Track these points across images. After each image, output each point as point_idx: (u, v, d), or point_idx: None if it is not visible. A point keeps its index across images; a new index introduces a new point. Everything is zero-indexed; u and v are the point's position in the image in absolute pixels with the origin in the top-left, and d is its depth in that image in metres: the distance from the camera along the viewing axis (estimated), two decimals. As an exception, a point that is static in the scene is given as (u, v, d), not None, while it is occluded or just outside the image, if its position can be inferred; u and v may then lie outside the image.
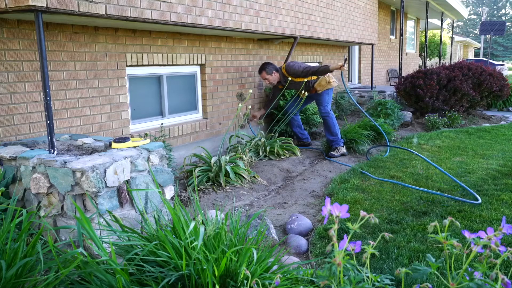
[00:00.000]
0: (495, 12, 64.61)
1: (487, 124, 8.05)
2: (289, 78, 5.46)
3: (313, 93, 5.60)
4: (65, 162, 2.51)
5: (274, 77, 5.52)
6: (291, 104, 5.76)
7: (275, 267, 1.96)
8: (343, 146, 5.43)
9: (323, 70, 5.18)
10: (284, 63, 5.66)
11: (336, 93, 8.37)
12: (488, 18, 61.13)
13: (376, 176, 4.34)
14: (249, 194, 3.95)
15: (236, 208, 3.53)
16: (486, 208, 3.32)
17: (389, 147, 5.65)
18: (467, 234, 1.28)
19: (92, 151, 2.88)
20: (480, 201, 3.45)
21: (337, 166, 4.93)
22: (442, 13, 15.22)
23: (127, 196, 2.68)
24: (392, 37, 13.82)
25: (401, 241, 2.74)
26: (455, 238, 1.33)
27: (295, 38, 6.06)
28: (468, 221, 3.07)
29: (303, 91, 5.47)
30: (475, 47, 40.81)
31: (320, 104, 5.59)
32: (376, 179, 4.21)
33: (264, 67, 5.49)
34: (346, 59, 5.22)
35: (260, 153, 5.11)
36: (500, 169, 4.54)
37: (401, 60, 10.50)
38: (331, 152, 5.34)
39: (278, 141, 5.33)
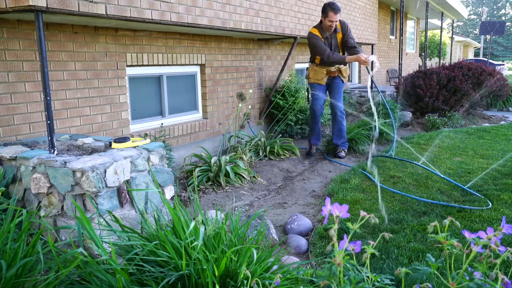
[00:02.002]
0: (495, 12, 64.61)
1: (487, 124, 8.05)
2: (335, 36, 4.95)
3: (335, 77, 5.05)
4: (65, 162, 2.51)
5: None
6: (322, 94, 5.08)
7: (275, 267, 1.96)
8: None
9: (356, 51, 4.80)
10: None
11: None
12: (488, 18, 61.13)
13: (377, 175, 4.34)
14: (249, 194, 3.95)
15: (236, 208, 3.53)
16: (486, 208, 3.32)
17: (393, 145, 5.65)
18: (467, 234, 1.28)
19: (92, 151, 2.89)
20: (490, 205, 3.42)
21: (337, 166, 4.93)
22: (442, 13, 15.22)
23: (127, 196, 2.68)
24: (392, 37, 13.82)
25: (401, 241, 2.74)
26: (455, 238, 1.33)
27: (295, 38, 6.06)
28: (468, 221, 3.07)
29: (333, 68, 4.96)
30: (475, 47, 40.81)
31: (340, 96, 5.08)
32: (380, 185, 4.21)
33: (339, 7, 4.78)
34: (373, 61, 4.72)
35: (260, 153, 5.11)
36: (500, 169, 4.54)
37: (401, 60, 10.51)
38: (340, 153, 5.14)
39: (278, 141, 5.33)
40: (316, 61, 5.01)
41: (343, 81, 5.11)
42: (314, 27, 4.95)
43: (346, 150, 5.27)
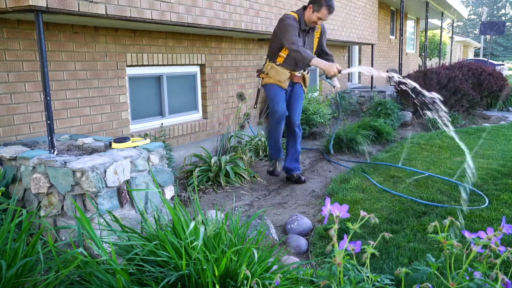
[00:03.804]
0: (495, 12, 64.61)
1: (487, 124, 8.05)
2: (313, 33, 4.11)
3: (297, 83, 4.17)
4: (65, 162, 2.51)
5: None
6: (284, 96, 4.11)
7: (275, 267, 1.96)
8: None
9: (330, 59, 4.10)
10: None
11: (336, 93, 8.37)
12: (488, 18, 61.14)
13: (376, 176, 4.34)
14: (249, 194, 3.95)
15: (236, 208, 3.52)
16: (486, 208, 3.32)
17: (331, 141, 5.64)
18: (467, 234, 1.28)
19: (92, 151, 2.88)
20: (487, 202, 3.43)
21: (337, 166, 4.94)
22: (442, 13, 15.22)
23: (127, 196, 2.68)
24: (392, 37, 13.82)
25: (401, 241, 2.74)
26: (455, 238, 1.33)
27: (295, 38, 6.05)
28: (468, 221, 3.07)
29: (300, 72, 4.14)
30: (475, 47, 40.80)
31: (300, 108, 4.22)
32: (378, 186, 4.21)
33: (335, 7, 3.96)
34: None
35: (260, 153, 5.11)
36: (500, 169, 4.54)
37: (401, 60, 10.50)
38: (300, 178, 4.24)
39: (278, 141, 5.32)
40: (279, 59, 4.03)
41: (304, 91, 4.25)
42: (294, 12, 4.02)
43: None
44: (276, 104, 4.05)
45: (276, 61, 4.04)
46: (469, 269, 1.28)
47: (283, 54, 3.99)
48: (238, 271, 1.75)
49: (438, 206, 3.41)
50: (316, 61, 3.71)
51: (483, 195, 3.65)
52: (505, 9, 65.22)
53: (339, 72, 3.68)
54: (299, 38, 3.83)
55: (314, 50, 4.17)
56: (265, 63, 4.18)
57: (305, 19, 3.94)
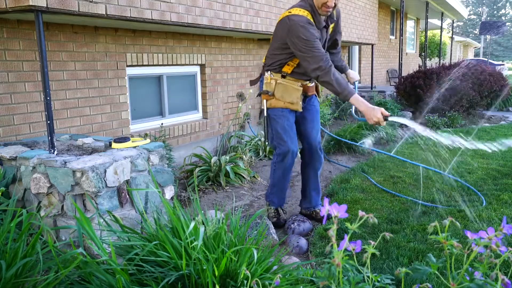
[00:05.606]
0: (495, 12, 64.64)
1: (487, 124, 8.05)
2: (327, 29, 2.94)
3: (311, 96, 3.11)
4: (65, 162, 2.51)
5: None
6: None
7: (275, 267, 1.96)
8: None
9: (341, 62, 3.18)
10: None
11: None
12: (488, 18, 61.17)
13: (376, 176, 4.33)
14: (249, 194, 3.95)
15: (236, 208, 3.52)
16: (486, 208, 3.32)
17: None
18: (469, 234, 1.28)
19: (92, 151, 2.88)
20: (484, 203, 3.43)
21: (337, 166, 4.94)
22: (442, 13, 15.22)
23: (127, 196, 2.67)
24: (392, 37, 13.82)
25: (401, 241, 2.73)
26: (455, 238, 1.33)
27: (295, 38, 6.05)
28: (468, 221, 3.07)
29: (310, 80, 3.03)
30: (475, 47, 40.80)
31: (319, 127, 3.18)
32: (379, 186, 4.21)
33: None
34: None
35: (260, 153, 5.11)
36: (500, 169, 4.54)
37: (401, 60, 10.50)
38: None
39: (278, 141, 5.32)
40: (285, 69, 2.93)
41: (319, 102, 3.23)
42: (300, 6, 2.74)
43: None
44: (284, 142, 2.96)
45: (282, 71, 2.93)
46: (470, 269, 1.28)
47: (293, 63, 2.90)
48: (238, 271, 1.75)
49: (434, 206, 3.41)
50: (356, 100, 2.67)
51: (478, 192, 3.65)
52: (505, 9, 65.25)
53: (385, 119, 2.61)
54: (325, 52, 2.76)
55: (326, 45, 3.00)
56: (262, 73, 3.06)
57: (317, 12, 2.76)
